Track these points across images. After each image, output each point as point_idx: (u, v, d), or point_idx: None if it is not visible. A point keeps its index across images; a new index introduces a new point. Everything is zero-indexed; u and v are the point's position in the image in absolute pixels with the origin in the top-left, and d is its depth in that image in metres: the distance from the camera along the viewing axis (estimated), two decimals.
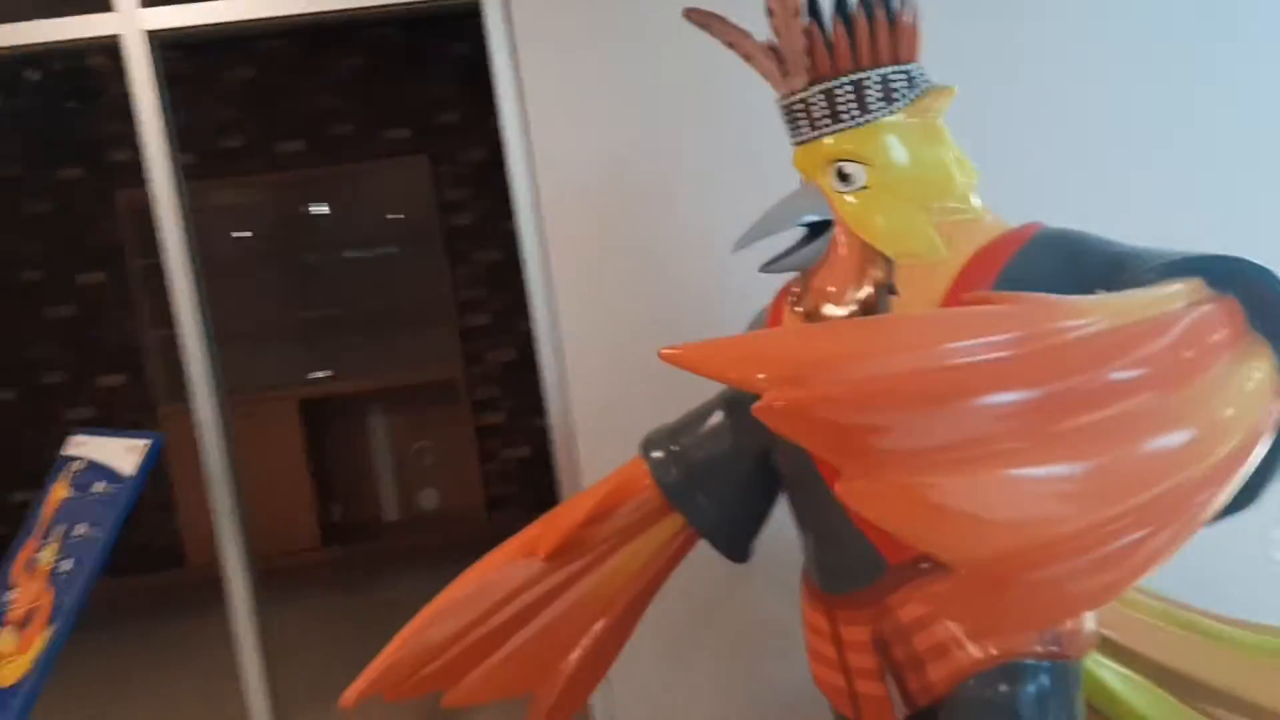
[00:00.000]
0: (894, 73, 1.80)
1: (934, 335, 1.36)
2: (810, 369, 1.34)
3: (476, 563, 2.18)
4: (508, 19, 2.67)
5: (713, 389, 2.19)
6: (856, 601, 1.90)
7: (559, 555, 2.10)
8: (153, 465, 2.20)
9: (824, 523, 1.93)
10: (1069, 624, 1.79)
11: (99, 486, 2.24)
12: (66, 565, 2.20)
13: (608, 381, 2.76)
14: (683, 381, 2.58)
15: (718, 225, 2.76)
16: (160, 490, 5.59)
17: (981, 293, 1.63)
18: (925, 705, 1.85)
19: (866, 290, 1.77)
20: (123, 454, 2.25)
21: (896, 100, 1.80)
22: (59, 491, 2.37)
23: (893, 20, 1.79)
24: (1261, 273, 1.54)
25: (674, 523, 2.17)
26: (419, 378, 6.29)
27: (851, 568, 1.90)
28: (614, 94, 2.72)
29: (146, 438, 2.23)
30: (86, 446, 2.37)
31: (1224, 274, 1.54)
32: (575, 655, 2.21)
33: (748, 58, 1.93)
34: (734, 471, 2.12)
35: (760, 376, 1.33)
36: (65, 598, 2.13)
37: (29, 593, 2.23)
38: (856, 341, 1.38)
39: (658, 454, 2.14)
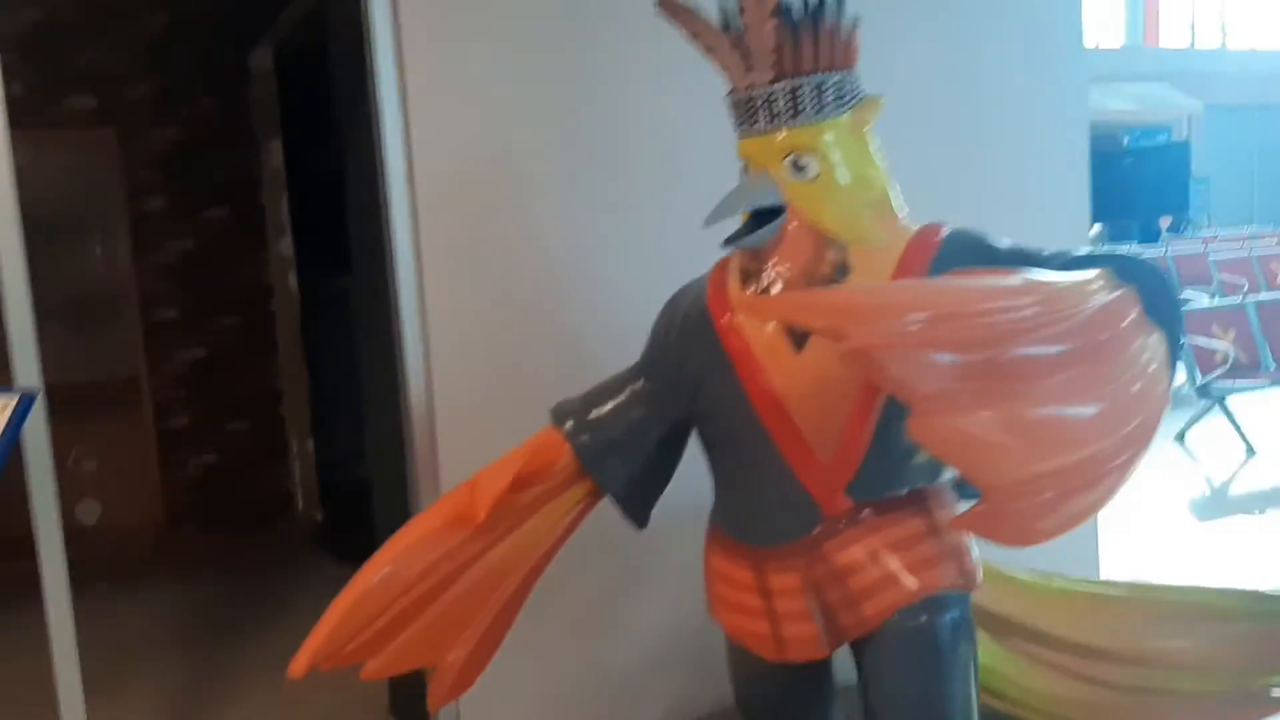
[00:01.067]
0: (846, 77, 2.04)
1: (975, 296, 1.62)
2: (888, 317, 1.54)
3: (399, 533, 2.15)
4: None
5: (603, 367, 2.31)
6: (788, 552, 2.08)
7: (490, 522, 2.12)
8: (21, 425, 1.95)
9: (762, 481, 2.10)
10: (972, 561, 2.09)
11: None
12: None
13: (471, 372, 2.77)
14: (543, 370, 2.68)
15: (581, 219, 2.90)
16: None
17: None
18: (855, 639, 2.07)
19: (824, 270, 1.98)
20: None
21: (846, 102, 2.03)
22: None
23: (846, 30, 2.03)
24: (1153, 267, 1.93)
25: (582, 488, 2.25)
26: (90, 376, 5.68)
27: (787, 521, 2.08)
28: (490, 88, 2.75)
29: (13, 393, 1.97)
30: None
31: (1120, 268, 1.90)
32: (485, 619, 2.22)
33: (709, 50, 2.08)
34: (645, 439, 2.23)
35: (846, 330, 1.52)
36: None
37: None
38: (921, 298, 1.60)
39: (573, 422, 2.22)
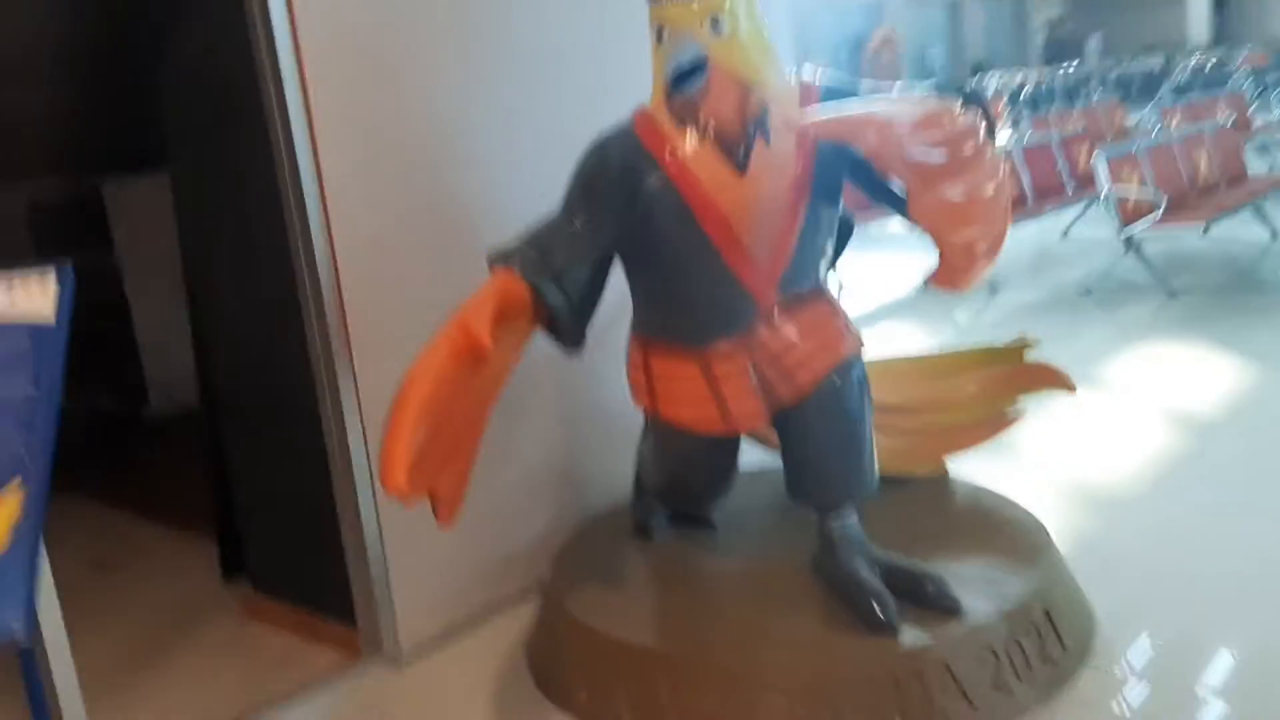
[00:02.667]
0: None
1: (921, 112, 2.22)
2: (884, 127, 2.11)
3: (419, 363, 2.37)
4: None
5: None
6: (731, 345, 2.61)
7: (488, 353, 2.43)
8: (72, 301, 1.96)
9: (710, 288, 2.59)
10: (858, 331, 2.74)
11: None
12: None
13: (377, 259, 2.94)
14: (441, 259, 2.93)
15: (475, 109, 3.11)
16: None
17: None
18: (790, 404, 2.65)
19: (751, 109, 2.48)
20: (7, 298, 1.94)
21: None
22: None
23: None
24: (977, 92, 2.64)
25: (525, 320, 2.61)
26: None
27: (730, 318, 2.61)
28: None
29: (45, 268, 1.96)
30: None
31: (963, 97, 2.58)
32: (469, 445, 2.55)
33: None
34: (582, 267, 2.64)
35: (869, 133, 2.07)
36: (12, 455, 1.83)
37: None
38: (910, 114, 2.17)
39: (521, 259, 2.55)
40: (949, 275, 2.27)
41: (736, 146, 2.48)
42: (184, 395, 4.37)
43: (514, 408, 3.18)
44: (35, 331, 1.91)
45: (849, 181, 2.62)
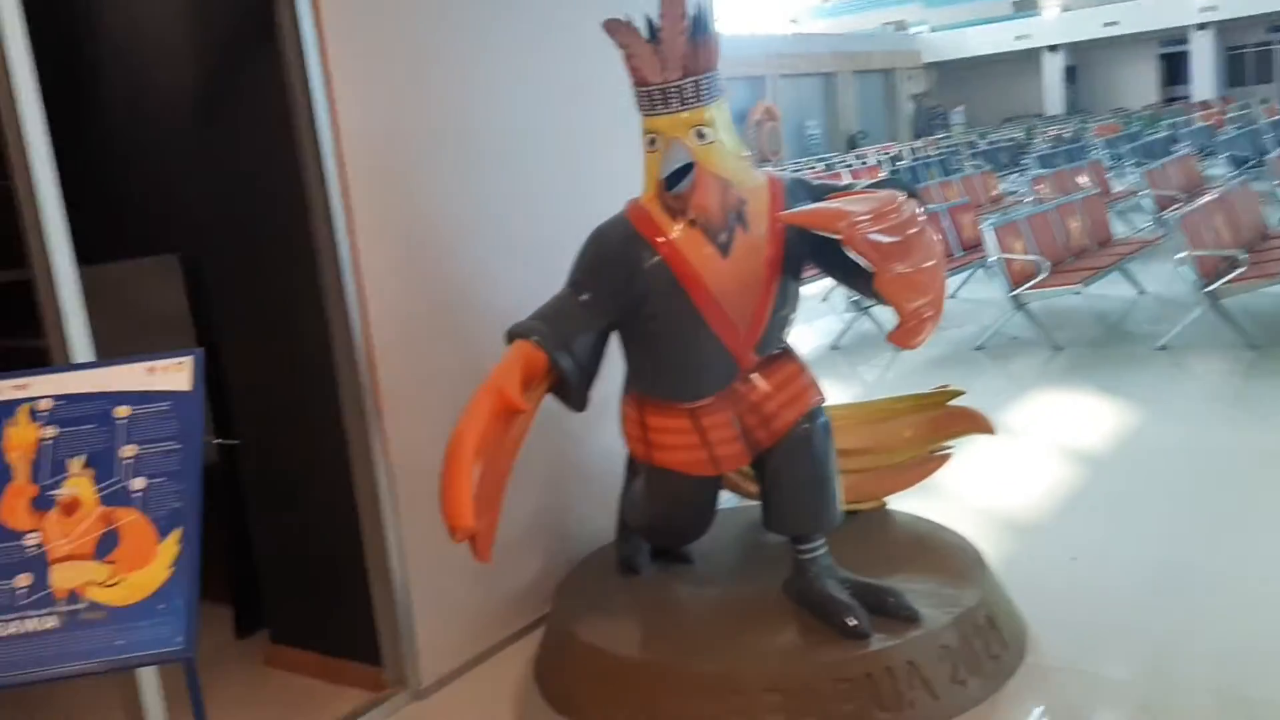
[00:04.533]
0: (715, 74, 3.03)
1: (878, 205, 2.74)
2: (850, 219, 2.63)
3: (464, 421, 2.79)
4: None
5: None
6: (716, 400, 3.09)
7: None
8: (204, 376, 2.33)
9: (698, 353, 3.06)
10: (821, 388, 3.23)
11: (137, 411, 2.26)
12: (139, 483, 2.20)
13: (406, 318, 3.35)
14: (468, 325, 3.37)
15: (486, 190, 3.56)
16: None
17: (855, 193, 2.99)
18: (768, 446, 3.12)
19: (732, 202, 2.98)
20: (150, 376, 2.30)
21: (719, 91, 3.05)
22: (25, 434, 2.24)
23: (715, 42, 3.02)
24: (908, 182, 3.19)
25: (543, 385, 3.05)
26: None
27: (715, 378, 3.09)
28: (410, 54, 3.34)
29: (182, 355, 2.33)
30: (62, 382, 2.30)
31: (897, 185, 3.12)
32: (497, 492, 2.96)
33: (632, 56, 2.96)
34: (587, 338, 3.09)
35: (840, 224, 2.58)
36: (170, 508, 2.18)
37: (75, 524, 2.17)
38: (868, 206, 2.68)
39: (538, 333, 3.00)
40: (905, 335, 2.78)
41: (719, 233, 2.97)
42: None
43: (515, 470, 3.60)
44: (175, 398, 2.28)
45: (810, 262, 3.14)
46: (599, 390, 3.17)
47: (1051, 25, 39.51)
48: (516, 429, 3.00)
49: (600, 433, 3.70)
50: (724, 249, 2.97)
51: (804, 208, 2.94)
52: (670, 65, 2.95)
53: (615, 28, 2.97)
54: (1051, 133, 24.28)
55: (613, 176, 3.44)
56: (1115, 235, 9.23)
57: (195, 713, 2.13)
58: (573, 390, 3.08)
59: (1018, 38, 39.69)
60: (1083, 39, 38.66)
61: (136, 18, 3.93)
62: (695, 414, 3.12)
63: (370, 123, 3.22)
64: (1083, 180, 11.55)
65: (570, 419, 3.26)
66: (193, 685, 2.09)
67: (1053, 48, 39.53)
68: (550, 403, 3.13)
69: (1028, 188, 12.32)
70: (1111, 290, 8.49)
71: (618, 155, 3.50)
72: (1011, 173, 18.21)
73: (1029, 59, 39.88)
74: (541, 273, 3.27)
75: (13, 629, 2.08)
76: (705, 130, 2.99)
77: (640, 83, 3.00)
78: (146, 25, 3.89)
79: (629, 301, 3.06)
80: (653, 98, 2.99)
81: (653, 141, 3.03)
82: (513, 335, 3.02)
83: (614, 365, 3.22)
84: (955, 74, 41.62)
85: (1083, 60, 40.49)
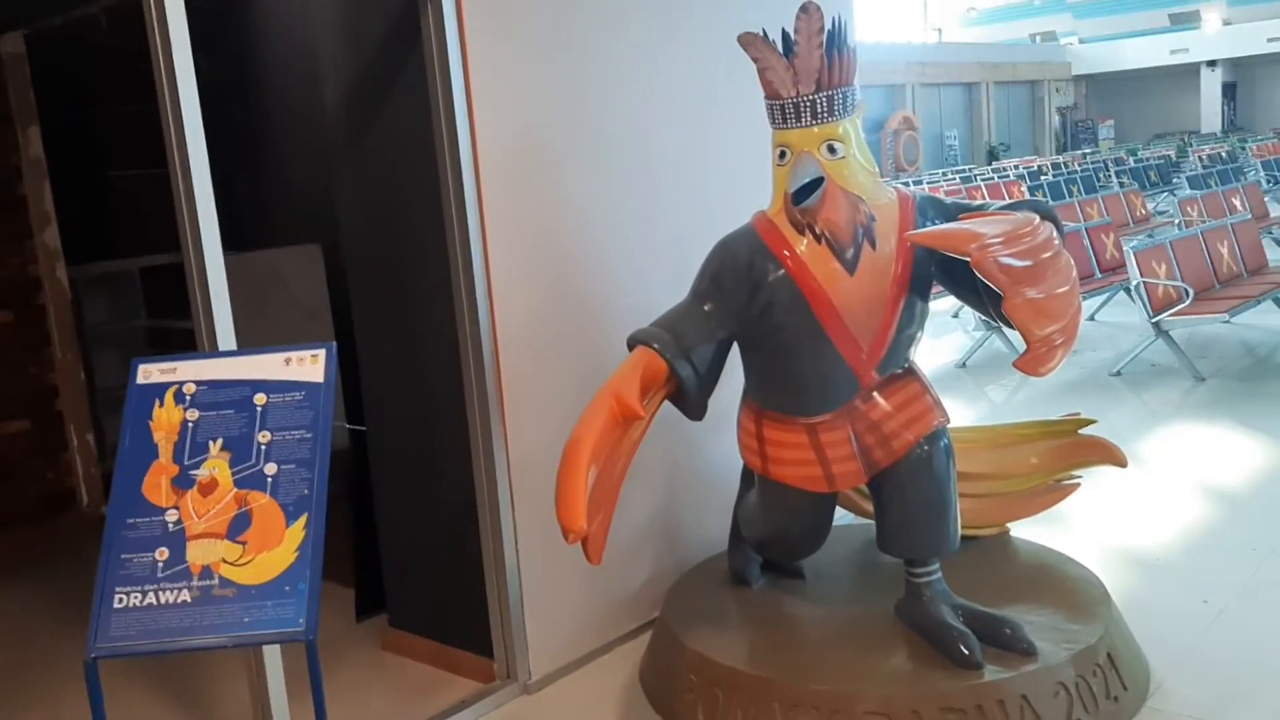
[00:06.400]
0: (851, 89, 3.00)
1: (1011, 227, 2.68)
2: (982, 241, 2.57)
3: (582, 425, 2.83)
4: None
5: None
6: (835, 417, 3.06)
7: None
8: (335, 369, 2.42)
9: (820, 369, 3.03)
10: (945, 410, 3.17)
11: (273, 399, 2.37)
12: (272, 469, 2.30)
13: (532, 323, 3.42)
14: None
15: (614, 191, 3.62)
16: None
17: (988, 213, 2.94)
18: (885, 467, 3.08)
19: (861, 219, 2.95)
20: (287, 367, 2.40)
21: (854, 106, 3.01)
22: (171, 415, 2.37)
23: (851, 57, 2.99)
24: (1047, 204, 3.11)
25: (661, 392, 3.06)
26: None
27: (837, 394, 3.05)
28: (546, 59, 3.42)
29: (317, 348, 2.43)
30: (205, 368, 2.42)
31: (1033, 207, 3.04)
32: (612, 495, 2.98)
33: (767, 69, 2.95)
34: (708, 347, 3.09)
35: (970, 246, 2.53)
36: (299, 494, 2.28)
37: (212, 503, 2.28)
38: (991, 230, 2.63)
39: (659, 341, 3.01)
40: (1033, 362, 2.70)
41: (846, 250, 2.94)
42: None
43: (629, 472, 3.64)
44: (309, 388, 2.38)
45: (939, 281, 3.08)
46: (718, 399, 3.17)
47: (1211, 39, 37.78)
48: (633, 435, 3.03)
49: (717, 441, 3.70)
50: (850, 266, 2.94)
51: (933, 228, 2.90)
52: (804, 80, 2.93)
53: (750, 41, 2.96)
54: (1206, 151, 23.22)
55: (741, 187, 3.45)
56: (1270, 263, 8.77)
57: (315, 693, 2.21)
58: (691, 399, 3.09)
59: (1174, 51, 38.05)
60: (1244, 54, 36.88)
61: (291, 28, 4.10)
62: (813, 430, 3.09)
63: (506, 127, 3.29)
64: (1237, 203, 11.02)
65: (688, 427, 3.27)
66: (313, 667, 2.17)
67: (1211, 63, 37.79)
68: (668, 410, 3.14)
69: (1176, 208, 11.81)
70: (1263, 320, 8.09)
71: (746, 165, 3.50)
72: (1161, 192, 17.53)
73: (1185, 74, 38.22)
74: (666, 281, 3.30)
75: (151, 600, 2.21)
76: (836, 145, 2.96)
77: (772, 96, 3.00)
78: (299, 35, 4.06)
79: (752, 314, 3.05)
80: (785, 111, 2.98)
81: (783, 154, 3.02)
82: (634, 342, 3.05)
83: (734, 374, 3.21)
84: (1105, 87, 40.21)
85: (1243, 76, 38.66)
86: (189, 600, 2.21)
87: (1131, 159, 23.08)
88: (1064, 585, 3.43)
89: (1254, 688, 3.17)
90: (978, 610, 3.11)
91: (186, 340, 2.91)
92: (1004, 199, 13.43)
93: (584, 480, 2.72)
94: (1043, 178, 17.62)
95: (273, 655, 2.79)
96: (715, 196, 3.83)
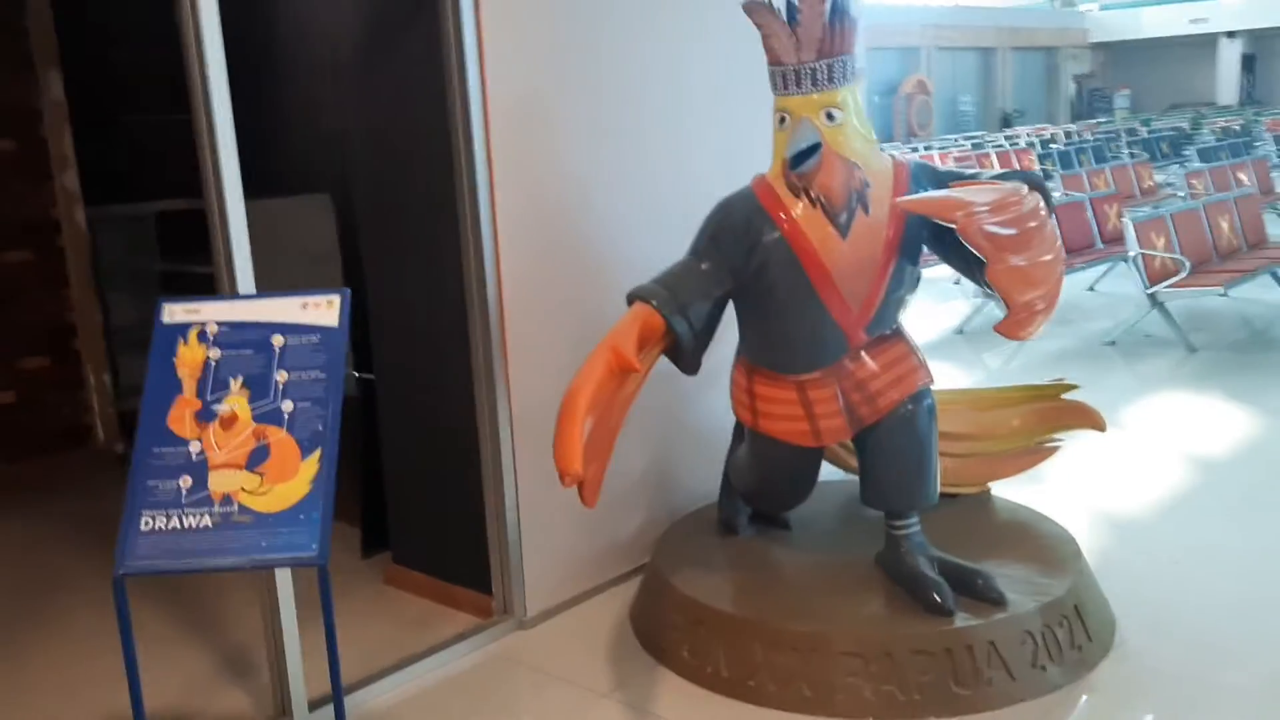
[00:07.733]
0: (851, 58, 3.11)
1: (1000, 195, 2.80)
2: (969, 208, 2.69)
3: (581, 376, 2.96)
4: None
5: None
6: (823, 374, 3.20)
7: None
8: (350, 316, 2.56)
9: (810, 328, 3.17)
10: (930, 371, 3.31)
11: (290, 340, 2.51)
12: (288, 406, 2.45)
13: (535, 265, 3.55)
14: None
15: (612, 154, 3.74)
16: None
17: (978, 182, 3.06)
18: (870, 424, 3.22)
19: (856, 184, 3.07)
20: (304, 311, 2.55)
21: (854, 75, 3.12)
22: (195, 354, 2.51)
23: (853, 26, 3.10)
24: (1038, 175, 3.22)
25: (659, 346, 3.20)
26: None
27: (825, 352, 3.19)
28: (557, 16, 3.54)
29: (332, 293, 2.57)
30: (227, 310, 2.56)
31: (1024, 178, 3.16)
32: (607, 443, 3.13)
33: (769, 35, 3.06)
34: (704, 304, 3.22)
35: (956, 213, 2.66)
36: (313, 430, 2.43)
37: (232, 437, 2.43)
38: (979, 198, 2.75)
39: (657, 297, 3.14)
40: (1013, 327, 2.84)
41: (840, 214, 3.06)
42: None
43: (625, 423, 3.78)
44: (324, 331, 2.53)
45: (928, 247, 3.21)
46: (712, 355, 3.31)
47: (1231, 9, 37.33)
48: (630, 387, 3.17)
49: (711, 396, 3.85)
50: (843, 230, 3.06)
51: (922, 195, 3.02)
52: (806, 47, 3.04)
53: (754, 8, 3.07)
54: (1220, 124, 23.13)
55: (741, 150, 3.57)
56: (1271, 237, 8.86)
57: (325, 614, 2.38)
58: (686, 354, 3.23)
59: (1193, 20, 37.65)
60: (1266, 25, 36.50)
61: None
62: (802, 386, 3.23)
63: (516, 83, 3.41)
64: (1242, 177, 11.07)
65: (683, 381, 3.41)
66: (324, 589, 2.34)
67: (1231, 33, 37.43)
68: (664, 364, 3.29)
69: (1183, 180, 11.86)
70: (1262, 294, 8.19)
71: (747, 129, 3.62)
72: (1171, 163, 17.52)
73: (1204, 44, 37.86)
74: (666, 238, 3.42)
75: (174, 523, 2.37)
76: (835, 112, 3.07)
77: (774, 62, 3.11)
78: None
79: (747, 273, 3.18)
80: (786, 78, 3.09)
81: (782, 120, 3.14)
82: (633, 297, 3.18)
83: (728, 332, 3.36)
84: (1123, 56, 39.86)
85: (1263, 49, 38.27)
86: (210, 525, 2.38)
87: (1145, 129, 23.01)
88: (1038, 541, 3.59)
89: (1211, 640, 3.34)
90: (953, 562, 3.27)
91: (200, 284, 3.06)
92: (1015, 167, 13.49)
93: (580, 427, 2.86)
94: (1053, 146, 17.63)
95: (285, 581, 2.96)
96: (717, 157, 3.95)
